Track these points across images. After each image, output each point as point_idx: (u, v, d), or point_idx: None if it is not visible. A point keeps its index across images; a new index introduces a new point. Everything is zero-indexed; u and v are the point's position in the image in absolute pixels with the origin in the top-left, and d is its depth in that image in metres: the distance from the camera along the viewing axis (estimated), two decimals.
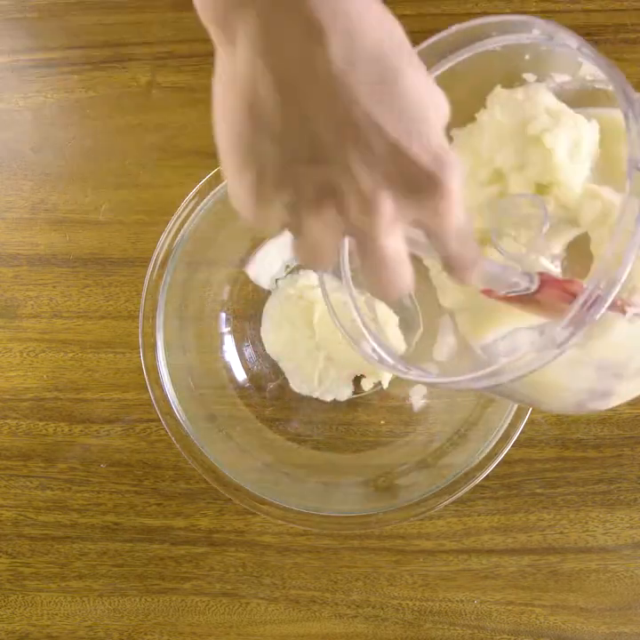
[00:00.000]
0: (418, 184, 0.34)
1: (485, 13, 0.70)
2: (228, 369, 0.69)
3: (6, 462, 0.70)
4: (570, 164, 0.48)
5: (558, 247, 0.50)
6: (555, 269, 0.48)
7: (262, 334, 0.69)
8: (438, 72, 0.49)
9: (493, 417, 0.66)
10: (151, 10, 0.72)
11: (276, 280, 0.70)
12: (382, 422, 0.69)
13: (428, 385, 0.66)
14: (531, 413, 0.64)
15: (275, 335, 0.68)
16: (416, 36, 0.70)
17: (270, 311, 0.69)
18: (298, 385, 0.69)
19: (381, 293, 0.38)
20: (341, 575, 0.70)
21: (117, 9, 0.72)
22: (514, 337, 0.50)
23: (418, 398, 0.69)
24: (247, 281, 0.69)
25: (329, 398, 0.69)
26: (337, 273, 0.49)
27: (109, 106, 0.71)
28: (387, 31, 0.35)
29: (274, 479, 0.68)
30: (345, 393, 0.69)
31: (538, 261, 0.48)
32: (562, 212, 0.49)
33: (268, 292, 0.70)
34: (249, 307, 0.70)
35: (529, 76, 0.51)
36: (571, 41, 0.43)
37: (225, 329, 0.70)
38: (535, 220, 0.47)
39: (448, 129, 0.47)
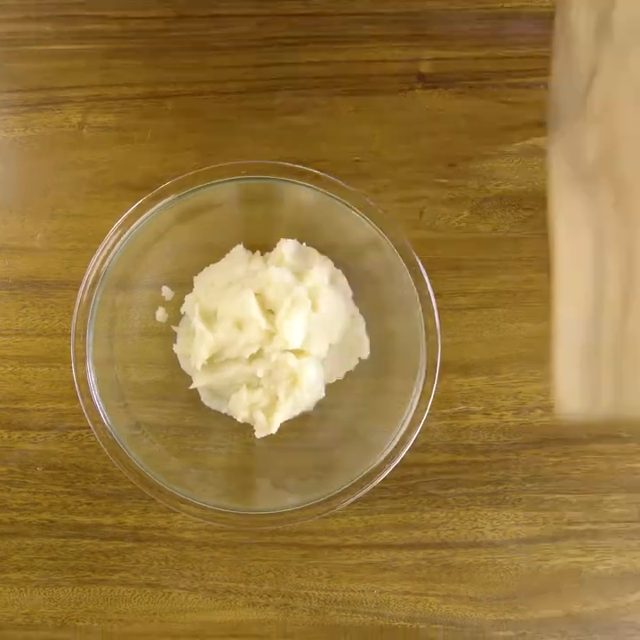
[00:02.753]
0: None
1: (383, 60, 0.73)
2: (153, 382, 0.71)
3: None
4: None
5: None
6: None
7: (176, 351, 0.71)
8: None
9: (391, 424, 0.68)
10: (82, 57, 0.73)
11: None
12: (288, 431, 0.71)
13: None
14: (424, 422, 0.67)
15: (187, 352, 0.70)
16: (323, 81, 0.74)
17: (182, 330, 0.71)
18: (209, 400, 0.71)
19: None
20: (254, 568, 0.72)
21: (52, 57, 0.73)
22: None
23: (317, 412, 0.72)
24: (170, 302, 0.71)
25: (239, 418, 0.70)
26: None
27: (45, 144, 0.72)
28: None
29: (193, 481, 0.69)
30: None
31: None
32: None
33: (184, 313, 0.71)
34: (169, 325, 0.72)
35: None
36: None
37: (150, 345, 0.71)
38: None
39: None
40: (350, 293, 0.72)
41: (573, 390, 0.57)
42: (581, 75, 0.54)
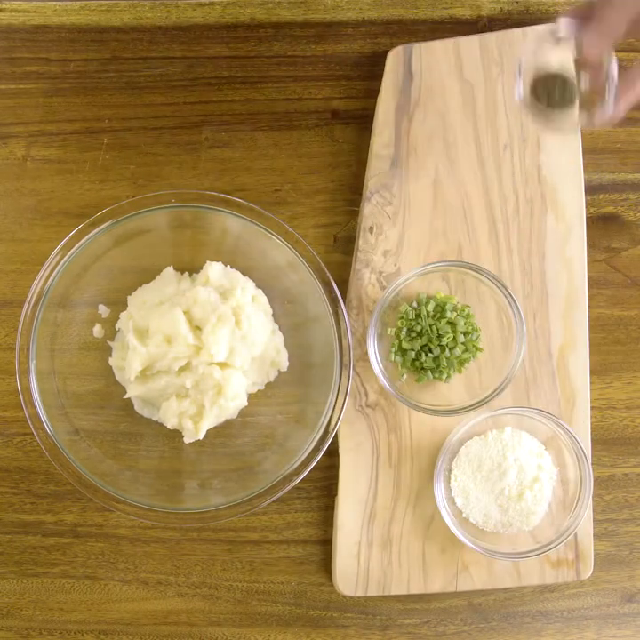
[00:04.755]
0: None
1: (300, 99, 0.78)
2: (90, 392, 0.76)
3: None
4: None
5: None
6: None
7: (111, 363, 0.76)
8: None
9: (307, 431, 0.74)
10: (26, 96, 0.78)
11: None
12: (214, 437, 0.76)
13: None
14: (337, 429, 0.72)
15: (122, 365, 0.75)
16: (245, 118, 0.80)
17: (117, 344, 0.76)
18: (141, 408, 0.76)
19: None
20: (183, 561, 0.77)
21: None
22: None
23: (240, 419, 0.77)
24: (106, 319, 0.76)
25: (169, 424, 0.74)
26: None
27: None
28: None
29: (127, 482, 0.74)
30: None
31: None
32: None
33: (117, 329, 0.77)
34: (105, 340, 0.76)
35: None
36: None
37: (88, 358, 0.76)
38: None
39: None
40: (270, 311, 0.78)
41: (350, 575, 0.75)
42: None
